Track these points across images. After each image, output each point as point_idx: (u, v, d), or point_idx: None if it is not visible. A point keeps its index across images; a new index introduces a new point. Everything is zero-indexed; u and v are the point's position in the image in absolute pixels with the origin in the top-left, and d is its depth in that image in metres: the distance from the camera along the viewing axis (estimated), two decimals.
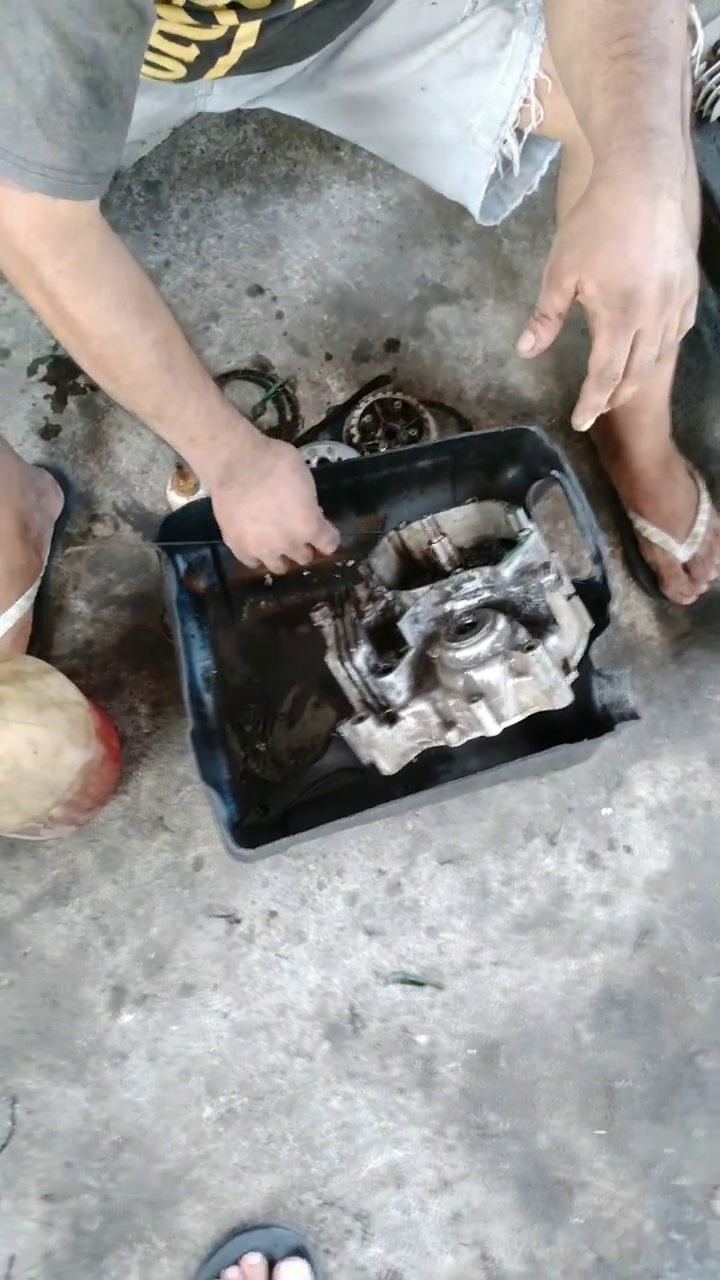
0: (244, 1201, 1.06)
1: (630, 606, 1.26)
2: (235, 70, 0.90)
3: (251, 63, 0.89)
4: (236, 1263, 1.03)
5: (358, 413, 1.31)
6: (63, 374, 1.36)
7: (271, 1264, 1.03)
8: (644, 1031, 1.12)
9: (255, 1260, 1.02)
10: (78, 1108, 1.08)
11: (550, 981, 1.13)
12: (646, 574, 1.25)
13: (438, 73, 0.93)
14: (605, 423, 1.24)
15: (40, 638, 1.23)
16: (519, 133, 0.92)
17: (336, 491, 1.14)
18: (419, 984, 1.13)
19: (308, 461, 1.27)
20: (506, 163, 0.94)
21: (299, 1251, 1.03)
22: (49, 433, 1.34)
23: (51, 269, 0.75)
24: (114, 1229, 1.05)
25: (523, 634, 0.90)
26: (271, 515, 0.98)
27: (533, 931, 1.14)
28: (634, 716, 0.95)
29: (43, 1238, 1.05)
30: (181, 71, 0.88)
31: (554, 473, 1.02)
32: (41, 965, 1.13)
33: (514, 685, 0.88)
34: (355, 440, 1.30)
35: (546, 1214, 1.07)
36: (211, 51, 0.85)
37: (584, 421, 0.80)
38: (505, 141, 0.92)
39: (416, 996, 1.12)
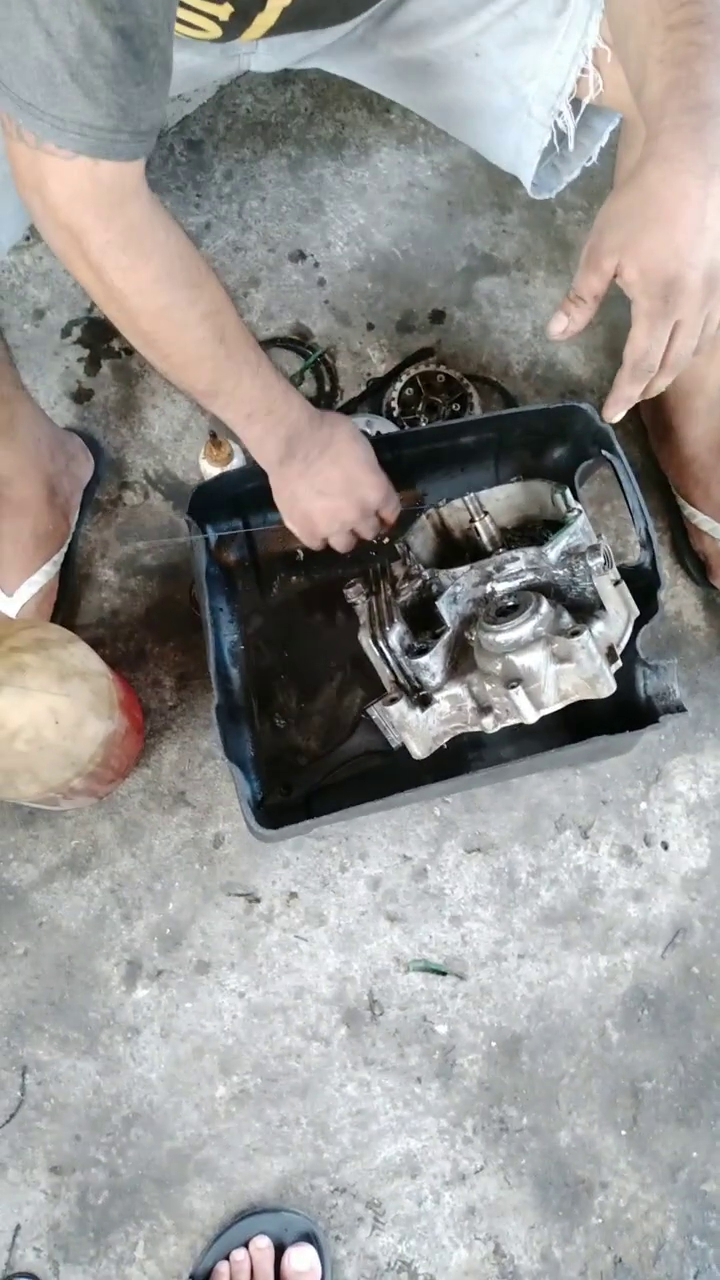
0: (254, 1183, 1.05)
1: (676, 595, 1.22)
2: (275, 31, 0.86)
3: (293, 23, 0.85)
4: (245, 1245, 1.01)
5: (399, 385, 1.27)
6: (97, 337, 1.33)
7: (280, 1248, 1.01)
8: (674, 1032, 1.08)
9: (264, 1244, 1.01)
10: (88, 1081, 1.07)
11: (578, 977, 1.10)
12: (695, 563, 1.20)
13: (492, 38, 0.89)
14: (656, 405, 1.19)
15: (66, 605, 1.20)
16: (576, 104, 0.88)
17: None
18: (441, 973, 1.10)
19: None
20: (562, 136, 0.90)
21: (308, 1237, 1.02)
22: (81, 396, 1.31)
23: (99, 240, 0.71)
24: (121, 1204, 1.04)
25: (567, 619, 0.86)
26: (339, 485, 0.94)
27: (561, 925, 1.11)
28: (680, 709, 0.92)
29: (49, 1209, 1.04)
30: (216, 31, 0.84)
31: (604, 453, 0.98)
32: (57, 936, 1.11)
33: (555, 671, 0.84)
34: (395, 414, 1.26)
35: (565, 1212, 1.04)
36: (246, 10, 0.81)
37: (616, 414, 0.78)
38: (560, 113, 0.87)
39: (438, 986, 1.10)
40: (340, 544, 1.00)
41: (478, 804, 1.15)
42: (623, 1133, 1.06)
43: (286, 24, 0.85)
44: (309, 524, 0.97)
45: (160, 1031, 1.08)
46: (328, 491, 0.94)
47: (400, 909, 1.12)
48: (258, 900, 1.12)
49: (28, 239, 1.35)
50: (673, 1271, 1.03)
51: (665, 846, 1.14)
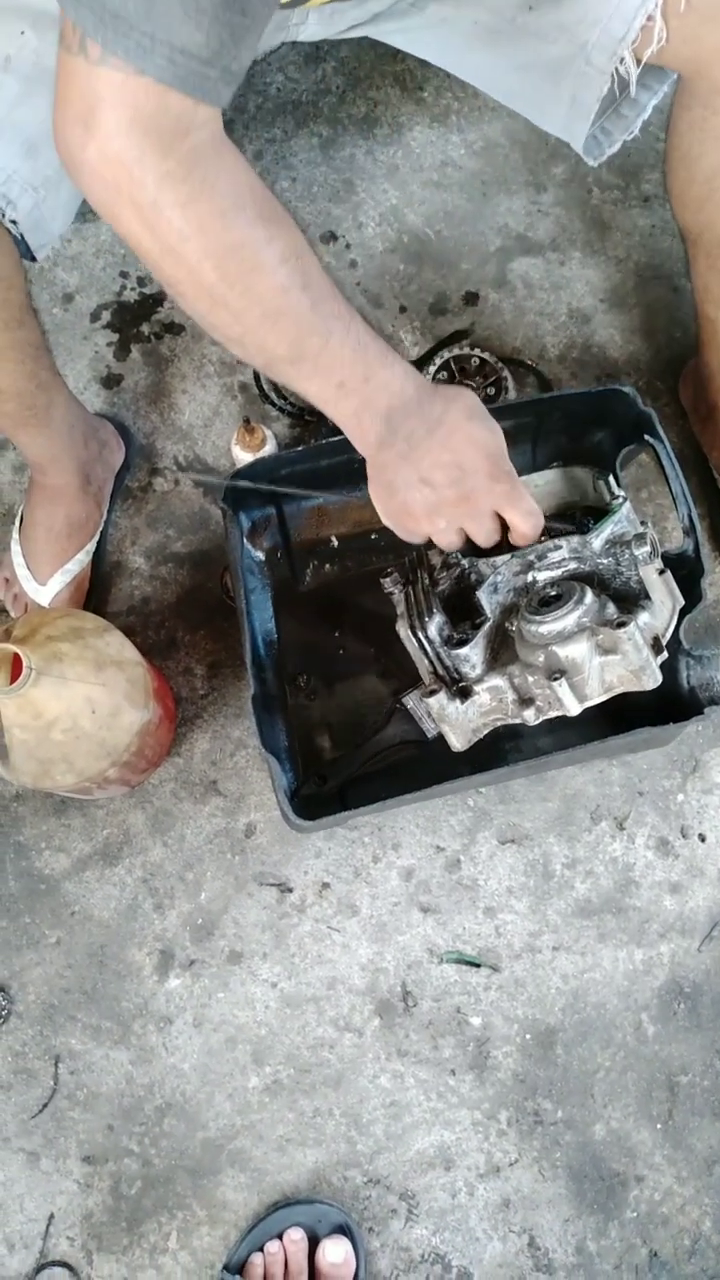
0: (287, 1174, 1.04)
1: (715, 583, 1.20)
2: None
3: None
4: (279, 1237, 1.01)
5: (432, 369, 1.25)
6: (127, 321, 1.32)
7: (314, 1240, 1.01)
8: (711, 1026, 1.07)
9: (298, 1236, 1.00)
10: (121, 1070, 1.07)
11: (613, 970, 1.09)
12: None
13: None
14: (699, 386, 1.17)
15: (96, 593, 1.19)
16: (636, 60, 0.84)
17: None
18: (474, 965, 1.09)
19: None
20: (623, 84, 0.85)
21: (342, 1229, 1.01)
22: (111, 382, 1.30)
23: (156, 171, 0.61)
24: (154, 1194, 1.04)
25: (612, 609, 0.84)
26: (448, 474, 0.77)
27: (596, 917, 1.10)
28: None
29: (82, 1199, 1.04)
30: None
31: (647, 438, 0.96)
32: (89, 925, 1.11)
33: (600, 663, 0.82)
34: None
35: (600, 1205, 1.03)
36: None
37: None
38: (623, 59, 0.83)
39: (471, 977, 1.09)
40: (445, 542, 0.83)
41: (512, 795, 1.13)
42: (658, 1126, 1.05)
43: None
44: (407, 518, 0.81)
45: (193, 1021, 1.08)
46: (432, 480, 0.78)
47: (433, 900, 1.11)
48: (290, 890, 1.11)
49: None
50: (708, 1266, 1.02)
51: (703, 839, 1.12)
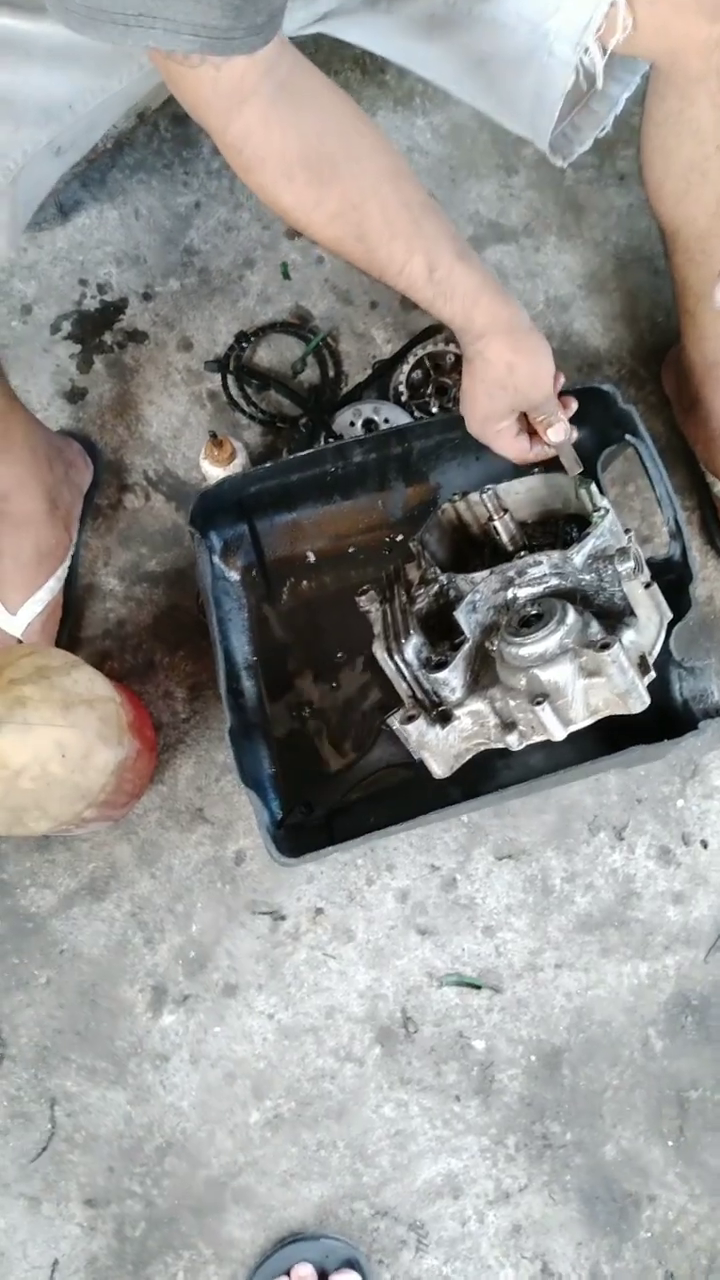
0: (293, 1210, 1.02)
1: (707, 578, 1.15)
2: None
3: None
4: (287, 1273, 0.99)
5: (406, 367, 1.20)
6: (88, 331, 1.27)
7: (323, 1275, 0.99)
8: None
9: (306, 1272, 0.98)
10: (119, 1111, 1.04)
11: (618, 985, 1.05)
12: None
13: None
14: (681, 376, 1.12)
15: (70, 618, 1.15)
16: (602, 49, 0.79)
17: (385, 460, 1.05)
18: (475, 986, 1.06)
19: (352, 424, 1.18)
20: (590, 77, 0.81)
21: (351, 1264, 0.99)
22: (75, 395, 1.25)
23: (220, 142, 0.72)
24: (158, 1235, 1.02)
25: (595, 628, 0.80)
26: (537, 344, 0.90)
27: (598, 932, 1.07)
28: None
29: (86, 1243, 1.02)
30: None
31: (628, 438, 0.91)
32: (79, 963, 1.08)
33: (584, 686, 0.78)
34: (404, 398, 1.19)
35: (613, 1227, 1.01)
36: None
37: None
38: (587, 50, 0.78)
39: (473, 1000, 1.06)
40: (510, 440, 0.92)
41: (507, 808, 1.10)
42: (670, 1144, 1.02)
43: None
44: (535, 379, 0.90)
45: (189, 1058, 1.05)
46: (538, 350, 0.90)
47: (431, 921, 1.08)
48: (283, 918, 1.08)
49: None
50: None
51: (705, 845, 1.09)
